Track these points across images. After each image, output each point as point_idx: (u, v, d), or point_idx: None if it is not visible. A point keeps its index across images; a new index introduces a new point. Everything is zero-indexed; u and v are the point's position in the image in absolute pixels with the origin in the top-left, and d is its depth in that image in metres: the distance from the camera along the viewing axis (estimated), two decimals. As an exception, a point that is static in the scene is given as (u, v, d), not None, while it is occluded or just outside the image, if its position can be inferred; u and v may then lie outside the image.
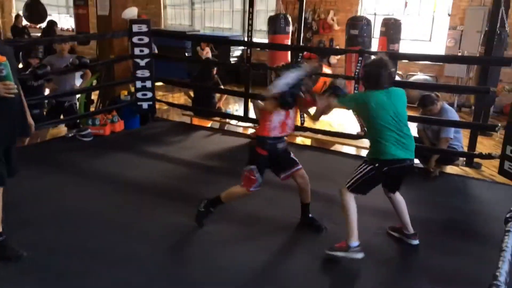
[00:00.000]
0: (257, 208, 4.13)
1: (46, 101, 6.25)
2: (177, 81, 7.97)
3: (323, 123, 5.88)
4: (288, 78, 3.37)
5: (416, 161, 5.01)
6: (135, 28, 6.29)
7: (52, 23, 11.71)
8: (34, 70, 5.38)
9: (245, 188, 3.61)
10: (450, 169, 5.47)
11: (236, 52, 11.66)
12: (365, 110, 3.32)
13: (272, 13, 10.51)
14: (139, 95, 6.53)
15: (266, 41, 9.77)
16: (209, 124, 7.22)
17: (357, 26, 7.83)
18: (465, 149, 5.36)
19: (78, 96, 6.46)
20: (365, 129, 3.57)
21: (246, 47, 7.10)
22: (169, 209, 4.13)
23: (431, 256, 3.53)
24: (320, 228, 3.79)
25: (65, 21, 15.49)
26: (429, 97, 5.17)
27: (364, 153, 5.04)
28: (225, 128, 7.03)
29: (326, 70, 9.54)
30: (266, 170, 3.63)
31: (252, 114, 6.61)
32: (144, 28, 6.32)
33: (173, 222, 3.87)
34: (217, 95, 7.21)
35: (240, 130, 6.90)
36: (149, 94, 6.58)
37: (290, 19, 9.16)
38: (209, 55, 7.82)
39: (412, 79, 9.57)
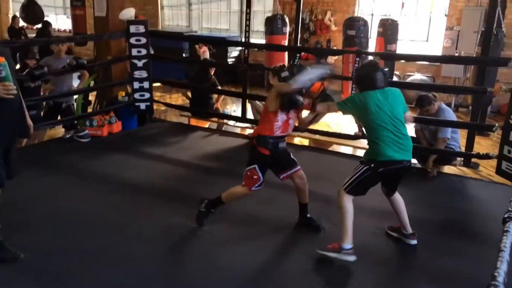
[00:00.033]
0: (256, 209, 4.13)
1: (44, 102, 6.24)
2: (175, 82, 7.97)
3: (322, 124, 5.88)
4: (311, 74, 3.32)
5: (414, 161, 5.03)
6: (133, 29, 6.29)
7: (47, 24, 11.72)
8: (31, 71, 5.37)
9: (246, 188, 3.61)
10: (447, 169, 5.48)
11: (234, 52, 11.67)
12: (363, 111, 3.32)
13: (269, 14, 10.53)
14: (136, 96, 6.53)
15: (263, 41, 9.77)
16: (207, 124, 7.21)
17: (354, 27, 7.84)
18: (463, 149, 5.37)
19: (75, 97, 6.45)
20: (363, 129, 3.57)
21: (243, 48, 7.10)
22: (167, 210, 4.12)
23: (429, 256, 3.53)
24: (318, 228, 3.80)
25: (62, 22, 15.48)
26: (427, 97, 5.18)
27: (361, 153, 5.04)
28: (223, 128, 7.02)
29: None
30: (267, 170, 3.64)
31: (249, 115, 6.61)
32: (141, 29, 6.32)
33: (171, 223, 3.87)
34: (215, 95, 7.21)
35: (238, 130, 6.89)
36: (147, 95, 6.57)
37: (287, 19, 9.17)
38: (207, 54, 7.80)
39: (409, 79, 9.59)
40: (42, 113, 6.17)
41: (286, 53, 8.63)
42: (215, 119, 7.17)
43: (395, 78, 8.19)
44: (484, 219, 4.18)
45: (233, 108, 8.02)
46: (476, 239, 3.82)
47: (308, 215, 3.85)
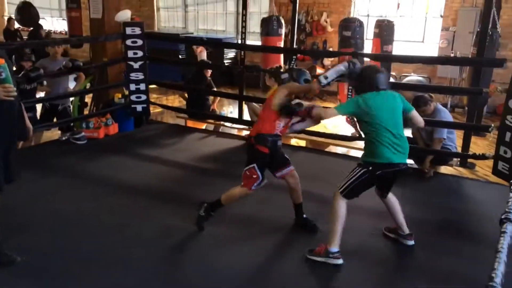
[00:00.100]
0: (253, 209, 4.13)
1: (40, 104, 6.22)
2: (171, 84, 7.96)
3: (319, 125, 5.88)
4: (336, 69, 3.46)
5: (411, 161, 5.04)
6: (129, 30, 6.28)
7: (39, 27, 11.74)
8: (27, 73, 5.35)
9: (246, 187, 3.61)
10: (444, 169, 5.50)
11: (230, 54, 11.68)
12: (364, 112, 3.28)
13: (265, 15, 10.53)
14: (133, 97, 6.51)
15: (259, 43, 9.78)
16: (203, 126, 7.21)
17: (350, 28, 7.83)
18: (459, 150, 5.38)
19: (72, 99, 6.44)
20: (361, 131, 3.57)
21: (240, 50, 7.11)
22: (164, 211, 4.12)
23: (427, 256, 3.54)
24: (315, 228, 3.80)
25: (58, 24, 15.45)
26: (423, 97, 5.19)
27: (358, 154, 5.05)
28: (220, 130, 7.02)
29: (320, 71, 9.57)
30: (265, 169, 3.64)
31: (246, 116, 6.61)
32: (137, 30, 6.31)
33: (168, 224, 3.87)
34: (211, 97, 7.21)
35: (235, 132, 6.89)
36: (143, 97, 6.56)
37: (283, 21, 9.18)
38: (204, 54, 7.80)
39: (405, 80, 9.60)
40: (38, 116, 6.15)
41: (282, 54, 8.64)
42: (211, 120, 7.17)
43: (391, 79, 8.20)
44: (481, 219, 4.19)
45: (230, 109, 8.03)
46: (473, 239, 3.83)
47: (305, 216, 3.85)
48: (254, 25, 11.61)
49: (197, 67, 7.53)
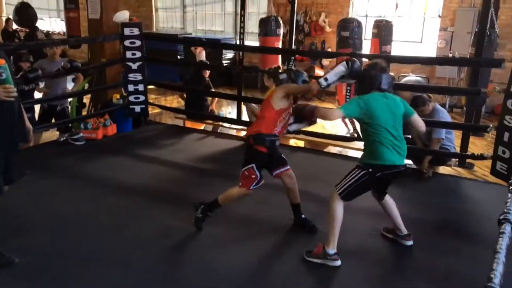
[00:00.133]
0: (252, 210, 4.13)
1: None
2: (169, 84, 7.95)
3: (317, 125, 5.87)
4: (336, 70, 3.48)
5: (409, 162, 5.04)
6: (127, 31, 6.27)
7: (35, 28, 11.75)
8: (25, 74, 5.35)
9: (245, 187, 3.61)
10: (443, 169, 5.50)
11: (229, 54, 11.68)
12: (368, 113, 3.25)
13: (264, 16, 10.55)
14: (131, 98, 6.51)
15: (257, 43, 9.79)
16: (202, 126, 7.20)
17: (348, 28, 7.86)
18: (458, 150, 5.39)
19: (70, 100, 6.43)
20: (360, 132, 3.55)
21: (238, 50, 7.11)
22: (163, 212, 4.12)
23: (425, 257, 3.54)
24: (314, 229, 3.80)
25: (56, 25, 15.44)
26: (421, 98, 5.20)
27: (357, 154, 5.05)
28: (218, 130, 7.02)
29: (319, 72, 9.59)
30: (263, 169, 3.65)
31: (245, 117, 6.61)
32: (135, 31, 6.30)
33: (167, 224, 3.87)
34: (210, 97, 7.21)
35: (233, 132, 6.89)
36: (142, 97, 6.56)
37: (281, 21, 9.20)
38: (203, 54, 7.80)
39: (404, 80, 9.61)
40: (37, 116, 6.15)
41: (280, 55, 8.65)
42: (210, 121, 7.17)
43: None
44: (479, 219, 4.19)
45: (228, 110, 8.03)
46: (471, 239, 3.83)
47: (303, 216, 3.85)
48: (252, 26, 11.63)
49: (195, 67, 7.53)
